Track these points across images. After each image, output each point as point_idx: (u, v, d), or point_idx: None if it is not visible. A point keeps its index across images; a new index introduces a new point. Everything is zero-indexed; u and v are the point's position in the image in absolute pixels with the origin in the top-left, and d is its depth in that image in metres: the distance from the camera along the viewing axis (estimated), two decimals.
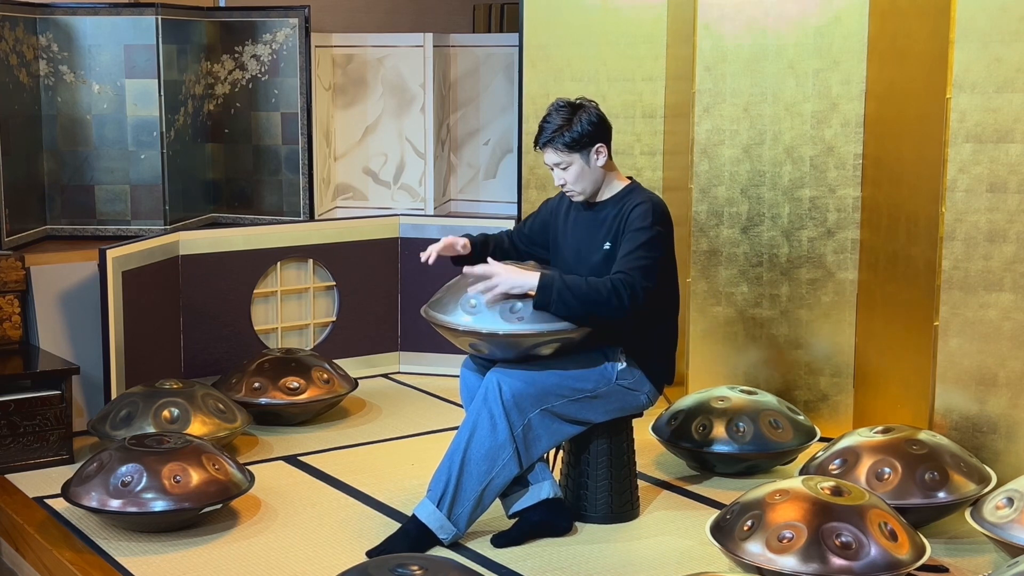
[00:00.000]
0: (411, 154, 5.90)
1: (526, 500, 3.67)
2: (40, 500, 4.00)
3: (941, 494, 3.57)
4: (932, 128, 3.99)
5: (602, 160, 3.68)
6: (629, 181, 3.78)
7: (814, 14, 4.55)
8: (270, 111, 5.61)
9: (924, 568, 3.26)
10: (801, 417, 4.30)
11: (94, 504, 3.63)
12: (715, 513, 3.49)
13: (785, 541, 3.11)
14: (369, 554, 3.52)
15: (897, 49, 4.28)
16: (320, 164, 5.74)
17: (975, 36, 3.86)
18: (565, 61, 5.19)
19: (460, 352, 3.86)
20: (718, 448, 4.13)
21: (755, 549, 3.14)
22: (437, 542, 3.58)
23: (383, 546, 3.54)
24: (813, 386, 4.70)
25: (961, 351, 3.98)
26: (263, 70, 5.59)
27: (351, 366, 5.33)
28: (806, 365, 4.70)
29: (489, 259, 3.65)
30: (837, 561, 3.06)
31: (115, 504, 3.61)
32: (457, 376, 3.93)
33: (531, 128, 5.24)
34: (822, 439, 4.30)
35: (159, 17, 5.22)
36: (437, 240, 3.87)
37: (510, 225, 5.36)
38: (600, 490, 3.80)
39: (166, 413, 4.23)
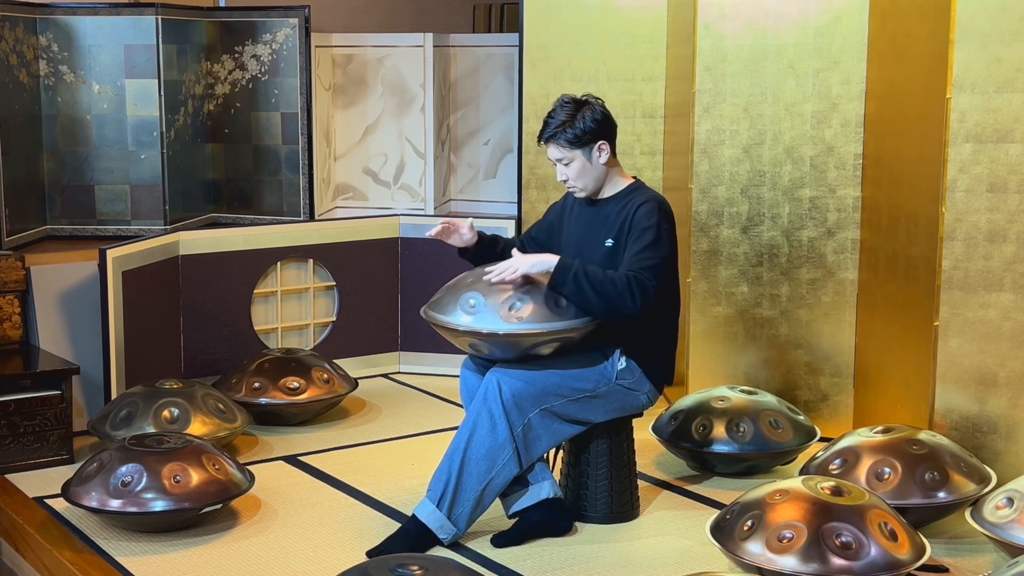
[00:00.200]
0: (411, 154, 5.90)
1: (526, 500, 3.67)
2: (40, 500, 4.00)
3: (941, 494, 3.57)
4: (932, 128, 3.99)
5: (604, 157, 3.69)
6: (633, 180, 3.79)
7: (814, 14, 4.55)
8: (270, 111, 5.61)
9: (924, 568, 3.26)
10: (801, 417, 4.30)
11: (94, 504, 3.63)
12: (715, 513, 3.49)
13: (785, 541, 3.11)
14: (369, 554, 3.52)
15: (897, 49, 4.28)
16: (320, 164, 5.74)
17: (975, 36, 3.86)
18: (565, 61, 5.19)
19: (460, 352, 3.86)
20: (718, 448, 4.13)
21: (755, 549, 3.14)
22: (437, 542, 3.58)
23: (383, 546, 3.54)
24: (813, 386, 4.70)
25: (961, 351, 3.98)
26: (263, 70, 5.59)
27: (351, 366, 5.33)
28: (806, 365, 4.70)
29: (514, 251, 3.69)
30: (837, 561, 3.06)
31: (115, 504, 3.61)
32: (457, 376, 3.93)
33: (531, 128, 5.25)
34: (822, 439, 4.30)
35: (159, 17, 5.22)
36: (437, 240, 3.87)
37: (510, 225, 5.39)
38: (600, 490, 3.80)
39: (166, 413, 4.23)
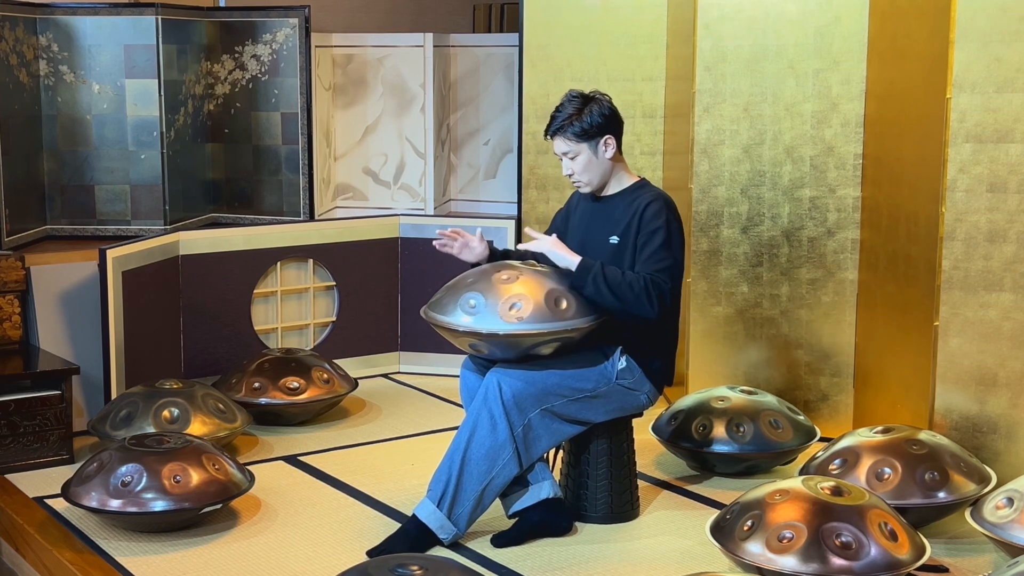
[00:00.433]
0: (411, 154, 5.90)
1: (526, 500, 3.67)
2: (40, 500, 4.00)
3: (941, 494, 3.57)
4: (932, 128, 3.99)
5: (610, 152, 3.71)
6: (639, 178, 3.81)
7: (814, 14, 4.55)
8: (270, 111, 5.61)
9: (924, 568, 3.26)
10: (801, 417, 4.30)
11: (94, 504, 3.63)
12: (715, 513, 3.49)
13: (785, 541, 3.11)
14: (369, 554, 3.52)
15: (897, 49, 4.28)
16: (320, 164, 5.74)
17: (975, 36, 3.86)
18: (565, 61, 5.19)
19: (460, 352, 3.86)
20: (718, 448, 4.13)
21: (755, 549, 3.14)
22: (437, 542, 3.58)
23: (383, 546, 3.54)
24: (813, 386, 4.70)
25: (961, 351, 3.98)
26: (263, 70, 5.59)
27: (351, 366, 5.33)
28: (806, 365, 4.70)
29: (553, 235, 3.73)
30: (837, 561, 3.06)
31: (115, 504, 3.61)
32: (457, 376, 3.93)
33: (531, 128, 5.25)
34: (822, 439, 4.30)
35: (159, 17, 5.22)
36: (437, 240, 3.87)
37: (509, 225, 5.39)
38: (600, 490, 3.80)
39: (166, 413, 4.23)
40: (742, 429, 4.14)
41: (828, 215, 4.61)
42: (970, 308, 3.96)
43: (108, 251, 4.46)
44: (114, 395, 4.45)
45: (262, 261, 5.23)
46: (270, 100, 5.60)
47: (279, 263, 5.29)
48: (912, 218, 4.16)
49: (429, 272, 5.40)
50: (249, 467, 4.01)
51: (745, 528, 3.21)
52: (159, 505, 3.60)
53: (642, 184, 3.80)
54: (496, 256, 3.89)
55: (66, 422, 4.35)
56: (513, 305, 3.54)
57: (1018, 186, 3.88)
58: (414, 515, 3.59)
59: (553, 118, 3.72)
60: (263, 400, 4.69)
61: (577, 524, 3.78)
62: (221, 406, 4.38)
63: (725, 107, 4.67)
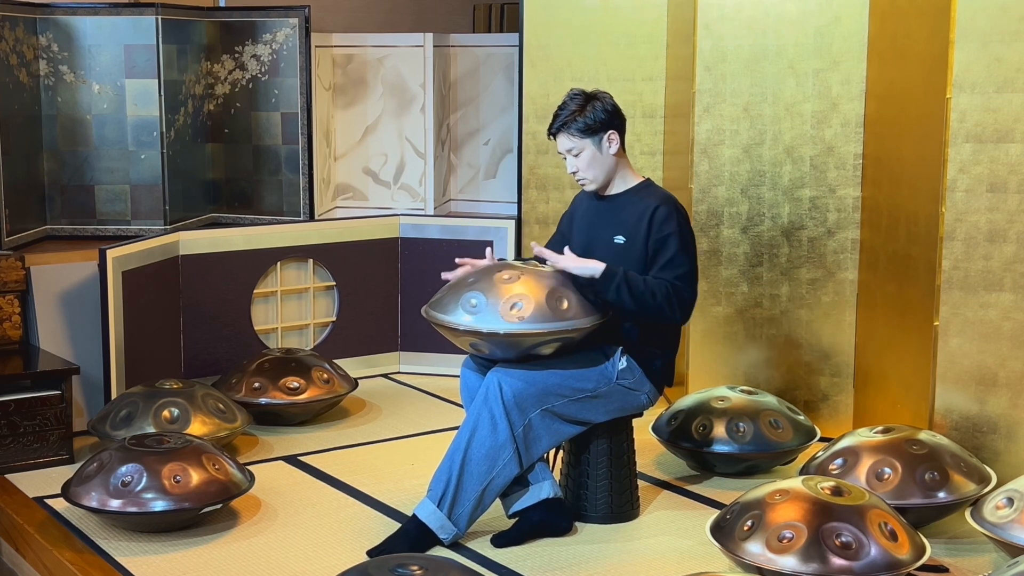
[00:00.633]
0: (411, 154, 5.90)
1: (526, 500, 3.67)
2: (40, 500, 4.00)
3: (941, 494, 3.57)
4: (932, 128, 3.99)
5: (614, 148, 3.72)
6: (643, 178, 3.83)
7: (814, 14, 4.55)
8: (270, 111, 5.61)
9: (924, 568, 3.26)
10: (801, 417, 4.30)
11: (94, 504, 3.63)
12: (715, 513, 3.49)
13: (785, 541, 3.11)
14: (369, 554, 3.52)
15: (897, 49, 4.28)
16: (320, 164, 5.74)
17: (975, 36, 3.86)
18: (565, 61, 5.19)
19: (460, 352, 3.86)
20: (718, 448, 4.13)
21: (755, 549, 3.14)
22: (437, 542, 3.58)
23: (383, 546, 3.54)
24: (813, 386, 4.70)
25: (961, 351, 3.98)
26: (263, 70, 5.59)
27: (351, 366, 5.33)
28: (806, 365, 4.70)
29: (566, 249, 3.70)
30: (837, 561, 3.06)
31: (115, 504, 3.61)
32: (457, 376, 3.93)
33: (531, 128, 5.25)
34: (822, 439, 4.30)
35: (159, 17, 5.22)
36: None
37: (509, 225, 5.38)
38: (600, 490, 3.80)
39: (166, 413, 4.23)
40: (742, 429, 4.14)
41: (828, 215, 4.61)
42: (970, 308, 3.96)
43: (108, 251, 4.46)
44: (114, 395, 4.45)
45: (262, 261, 5.23)
46: (270, 100, 5.60)
47: (279, 263, 5.29)
48: (912, 218, 4.16)
49: (429, 272, 5.39)
50: (249, 467, 4.01)
51: (745, 528, 3.21)
52: (159, 505, 3.60)
53: (647, 184, 3.80)
54: None
55: (66, 422, 4.35)
56: (514, 305, 3.54)
57: (1018, 186, 3.88)
58: (414, 515, 3.59)
59: (556, 116, 3.72)
60: (263, 400, 4.69)
61: (577, 524, 3.78)
62: (221, 406, 4.38)
63: (725, 107, 4.67)
